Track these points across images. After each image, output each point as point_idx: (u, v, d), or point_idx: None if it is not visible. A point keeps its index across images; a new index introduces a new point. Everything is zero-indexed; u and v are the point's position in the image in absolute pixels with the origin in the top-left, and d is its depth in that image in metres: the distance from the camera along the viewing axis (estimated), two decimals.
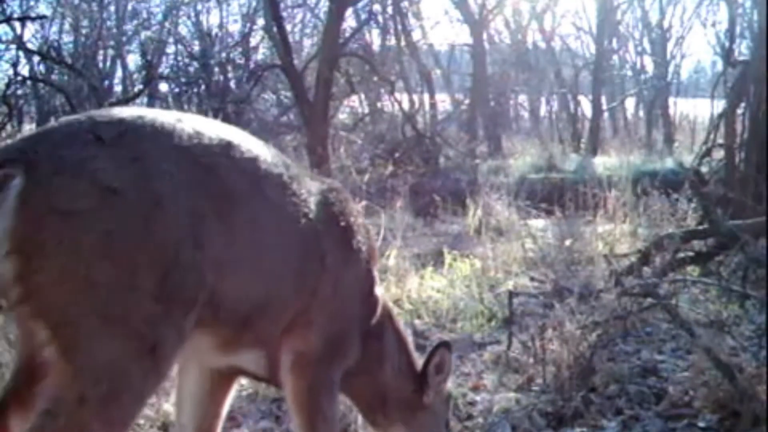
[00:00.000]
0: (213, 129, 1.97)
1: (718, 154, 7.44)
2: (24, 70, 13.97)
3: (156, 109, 1.99)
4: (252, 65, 14.97)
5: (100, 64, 17.71)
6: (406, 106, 13.76)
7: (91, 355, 1.71)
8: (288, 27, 13.91)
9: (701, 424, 3.21)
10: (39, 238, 1.66)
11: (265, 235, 2.05)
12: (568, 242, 6.10)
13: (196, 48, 16.17)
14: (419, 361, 2.67)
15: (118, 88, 18.28)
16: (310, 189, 2.22)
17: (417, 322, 4.69)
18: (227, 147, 1.95)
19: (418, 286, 5.27)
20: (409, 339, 2.74)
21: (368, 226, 2.55)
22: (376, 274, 2.50)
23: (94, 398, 1.70)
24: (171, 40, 16.88)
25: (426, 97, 14.33)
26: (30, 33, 15.78)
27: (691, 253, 5.45)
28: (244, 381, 3.80)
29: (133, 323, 1.74)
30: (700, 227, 5.80)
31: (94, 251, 1.69)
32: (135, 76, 17.85)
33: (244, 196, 1.95)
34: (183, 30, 17.70)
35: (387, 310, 2.62)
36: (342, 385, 2.49)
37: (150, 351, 1.77)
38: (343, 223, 2.31)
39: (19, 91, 13.55)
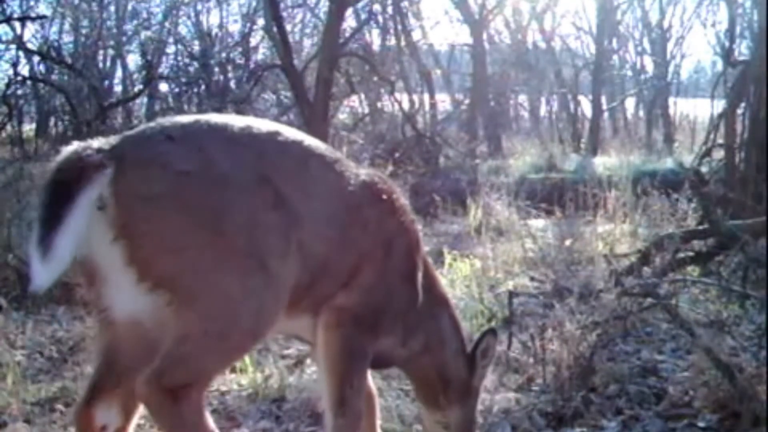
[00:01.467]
0: (260, 123, 2.33)
1: (718, 154, 7.43)
2: (24, 70, 14.01)
3: (210, 114, 2.32)
4: (252, 65, 14.96)
5: (100, 64, 17.74)
6: (406, 106, 13.76)
7: (204, 303, 2.09)
8: (288, 27, 13.91)
9: (701, 424, 3.21)
10: (133, 222, 2.02)
11: (313, 204, 2.32)
12: (568, 242, 6.10)
13: (196, 48, 16.17)
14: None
15: (118, 88, 18.35)
16: (354, 171, 2.50)
17: None
18: (273, 135, 2.30)
19: None
20: (462, 325, 2.92)
21: (413, 217, 2.70)
22: (419, 261, 2.64)
23: (213, 332, 2.10)
24: (171, 40, 16.88)
25: (426, 97, 14.33)
26: (30, 33, 15.82)
27: (691, 253, 5.45)
28: (244, 381, 3.82)
29: (229, 278, 2.09)
30: (700, 227, 5.80)
31: (179, 223, 2.05)
32: (135, 76, 17.89)
33: (291, 172, 2.28)
34: (183, 30, 17.76)
35: (444, 297, 2.84)
36: (408, 368, 2.79)
37: (250, 298, 2.12)
38: (385, 199, 2.54)
39: (19, 91, 13.56)
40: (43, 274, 1.92)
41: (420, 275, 2.64)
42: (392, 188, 2.62)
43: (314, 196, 2.32)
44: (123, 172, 2.01)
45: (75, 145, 2.06)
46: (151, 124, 2.25)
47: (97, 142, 2.07)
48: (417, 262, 2.63)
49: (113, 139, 2.11)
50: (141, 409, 2.32)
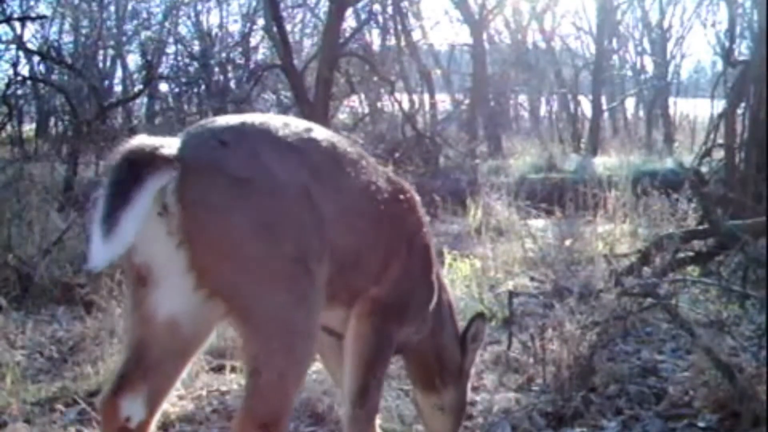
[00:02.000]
0: (294, 122, 2.36)
1: (718, 154, 7.43)
2: (24, 70, 13.96)
3: (247, 114, 2.31)
4: (252, 65, 14.95)
5: (100, 64, 17.73)
6: (406, 106, 13.74)
7: (261, 312, 2.12)
8: (288, 27, 13.90)
9: (701, 424, 3.21)
10: (196, 228, 2.01)
11: (348, 199, 2.38)
12: (568, 242, 6.10)
13: (196, 48, 16.16)
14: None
15: (118, 88, 18.34)
16: (376, 167, 2.56)
17: None
18: (308, 132, 2.32)
19: None
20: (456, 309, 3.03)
21: (426, 214, 2.81)
22: (434, 256, 2.76)
23: (277, 349, 2.11)
24: (171, 40, 16.87)
25: (426, 97, 14.32)
26: (30, 33, 15.80)
27: (691, 253, 5.44)
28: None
29: (282, 285, 2.11)
30: (700, 227, 5.80)
31: (241, 231, 2.05)
32: (135, 76, 17.89)
33: (326, 172, 2.32)
34: (183, 30, 17.72)
35: (444, 284, 2.93)
36: (410, 352, 2.83)
37: (301, 302, 2.15)
38: (406, 195, 2.65)
39: (19, 91, 13.54)
40: (103, 253, 1.86)
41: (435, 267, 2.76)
42: (410, 189, 2.72)
43: (346, 193, 2.37)
44: (185, 177, 2.00)
45: (145, 137, 2.05)
46: (197, 127, 2.22)
47: (163, 140, 2.05)
48: (434, 255, 2.75)
49: (175, 141, 2.09)
50: (165, 405, 2.33)
